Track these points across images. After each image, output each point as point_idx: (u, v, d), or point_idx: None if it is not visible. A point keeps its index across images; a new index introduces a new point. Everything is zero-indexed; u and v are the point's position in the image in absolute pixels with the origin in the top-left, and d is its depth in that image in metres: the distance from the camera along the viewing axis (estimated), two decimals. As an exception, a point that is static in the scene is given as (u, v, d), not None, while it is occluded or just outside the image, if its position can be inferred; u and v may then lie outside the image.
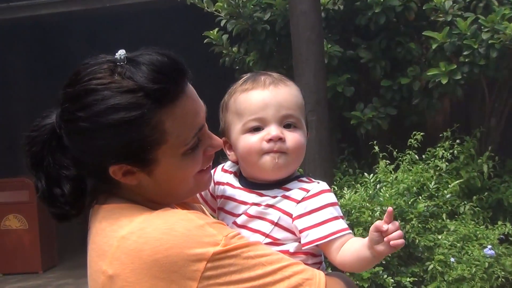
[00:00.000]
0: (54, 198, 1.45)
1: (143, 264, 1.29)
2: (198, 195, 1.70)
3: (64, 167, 1.44)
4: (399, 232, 1.36)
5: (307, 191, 1.52)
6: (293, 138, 1.54)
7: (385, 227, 1.36)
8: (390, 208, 1.37)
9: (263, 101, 1.54)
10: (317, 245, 1.49)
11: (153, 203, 1.45)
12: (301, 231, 1.49)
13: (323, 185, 1.55)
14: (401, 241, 1.36)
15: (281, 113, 1.53)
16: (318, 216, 1.49)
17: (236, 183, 1.62)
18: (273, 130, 1.52)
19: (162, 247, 1.29)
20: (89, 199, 1.49)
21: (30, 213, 8.38)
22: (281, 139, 1.52)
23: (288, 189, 1.54)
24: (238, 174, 1.65)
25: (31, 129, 1.48)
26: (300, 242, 1.50)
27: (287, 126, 1.55)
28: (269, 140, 1.51)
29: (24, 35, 9.65)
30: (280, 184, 1.56)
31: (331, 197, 1.53)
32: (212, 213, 1.70)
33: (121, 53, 1.37)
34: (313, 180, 1.57)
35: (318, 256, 1.57)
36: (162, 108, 1.34)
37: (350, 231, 1.51)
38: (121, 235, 1.33)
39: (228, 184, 1.63)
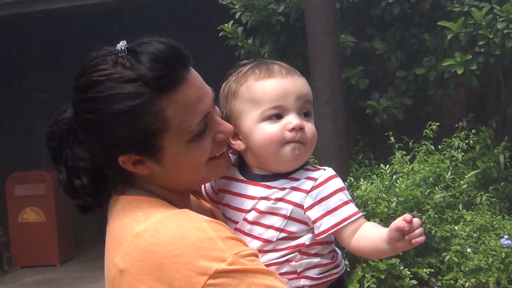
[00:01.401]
0: (75, 190, 1.48)
1: (150, 265, 1.31)
2: (203, 190, 1.69)
3: (81, 159, 1.47)
4: (420, 230, 1.36)
5: (315, 179, 1.51)
6: (311, 128, 1.53)
7: (407, 227, 1.35)
8: (407, 216, 1.36)
9: (283, 89, 1.52)
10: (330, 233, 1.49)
11: (171, 191, 1.47)
12: (314, 222, 1.48)
13: (330, 171, 1.53)
14: (422, 238, 1.36)
15: (300, 102, 1.53)
16: (328, 203, 1.48)
17: (238, 175, 1.58)
18: (294, 119, 1.50)
19: (171, 253, 1.30)
20: (109, 189, 1.51)
21: (47, 206, 8.43)
22: (301, 129, 1.51)
23: (296, 179, 1.52)
24: (238, 166, 1.60)
25: (49, 124, 1.51)
26: (314, 232, 1.50)
27: (304, 115, 1.54)
28: (291, 129, 1.50)
29: (40, 29, 9.69)
30: (286, 174, 1.53)
31: (338, 183, 1.52)
32: (216, 207, 1.68)
33: (122, 44, 1.39)
34: (319, 167, 1.56)
35: (332, 243, 1.57)
36: (163, 96, 1.35)
37: (361, 214, 1.51)
38: (136, 232, 1.35)
39: (229, 177, 1.60)
